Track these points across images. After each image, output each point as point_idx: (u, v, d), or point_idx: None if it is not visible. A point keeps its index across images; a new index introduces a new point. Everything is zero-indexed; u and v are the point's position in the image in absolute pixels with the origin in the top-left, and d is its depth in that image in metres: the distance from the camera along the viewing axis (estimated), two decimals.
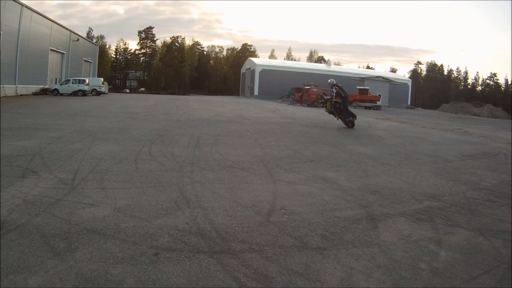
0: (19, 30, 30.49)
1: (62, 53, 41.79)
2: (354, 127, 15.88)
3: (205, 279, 2.98)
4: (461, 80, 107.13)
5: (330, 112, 16.69)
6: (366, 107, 43.89)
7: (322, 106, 16.49)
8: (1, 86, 27.44)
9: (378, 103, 46.62)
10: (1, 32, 27.44)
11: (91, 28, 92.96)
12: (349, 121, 15.90)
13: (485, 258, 3.69)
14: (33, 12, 33.47)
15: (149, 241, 3.59)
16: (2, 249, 3.22)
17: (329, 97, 17.06)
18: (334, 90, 16.28)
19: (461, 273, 3.33)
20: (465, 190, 6.44)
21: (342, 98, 15.94)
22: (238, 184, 5.86)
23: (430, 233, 4.29)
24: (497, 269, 3.47)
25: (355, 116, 16.24)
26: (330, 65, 74.15)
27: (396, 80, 68.31)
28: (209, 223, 4.16)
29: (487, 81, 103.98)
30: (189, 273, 3.04)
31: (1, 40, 27.45)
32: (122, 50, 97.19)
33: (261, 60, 72.89)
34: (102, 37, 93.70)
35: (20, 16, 30.69)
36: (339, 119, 16.36)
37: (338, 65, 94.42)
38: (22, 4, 31.01)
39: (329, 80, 17.33)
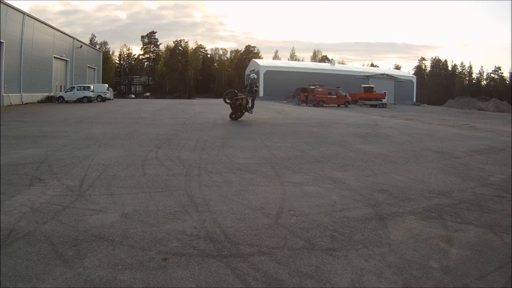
0: (22, 39, 30.64)
1: (66, 60, 41.96)
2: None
3: (215, 283, 2.97)
4: (465, 75, 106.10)
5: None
6: (371, 105, 43.81)
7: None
8: (3, 94, 27.61)
9: (384, 100, 46.43)
10: (4, 42, 27.67)
11: (94, 35, 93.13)
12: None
13: (496, 254, 3.65)
14: (35, 21, 33.62)
15: (157, 247, 3.59)
16: (10, 258, 3.25)
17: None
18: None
19: (472, 271, 3.30)
20: (474, 186, 6.39)
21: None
22: (246, 187, 5.86)
23: (440, 231, 4.26)
24: (508, 265, 3.43)
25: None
26: (334, 64, 73.93)
27: (401, 77, 68.01)
28: (218, 226, 4.15)
29: (492, 75, 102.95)
30: (198, 278, 3.04)
31: (4, 49, 27.67)
32: (125, 55, 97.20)
33: (265, 61, 72.65)
34: (105, 43, 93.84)
35: (22, 24, 30.84)
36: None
37: (342, 63, 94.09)
38: (23, 13, 31.19)
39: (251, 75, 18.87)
